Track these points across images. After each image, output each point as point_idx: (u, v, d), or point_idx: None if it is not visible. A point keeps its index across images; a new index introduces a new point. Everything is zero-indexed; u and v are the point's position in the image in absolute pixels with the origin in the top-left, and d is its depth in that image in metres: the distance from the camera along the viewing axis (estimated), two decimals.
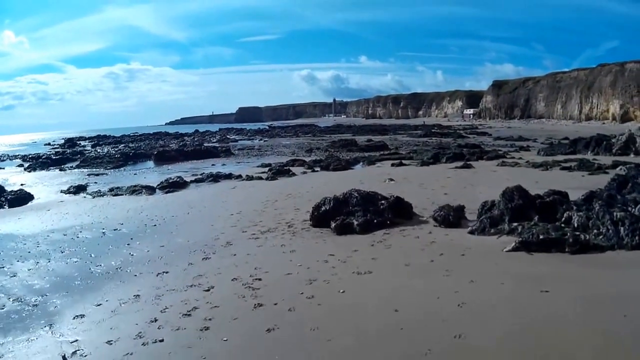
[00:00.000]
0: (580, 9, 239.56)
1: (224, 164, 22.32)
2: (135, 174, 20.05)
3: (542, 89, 77.21)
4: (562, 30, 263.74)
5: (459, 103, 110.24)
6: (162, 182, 14.78)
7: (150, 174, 20.16)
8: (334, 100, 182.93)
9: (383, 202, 7.68)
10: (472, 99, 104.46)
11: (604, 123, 54.90)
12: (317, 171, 17.72)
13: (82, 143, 51.55)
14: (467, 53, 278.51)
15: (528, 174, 14.06)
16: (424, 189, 11.56)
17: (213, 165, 22.10)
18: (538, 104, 78.44)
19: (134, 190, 13.84)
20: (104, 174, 20.68)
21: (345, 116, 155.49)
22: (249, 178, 15.82)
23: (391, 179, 13.15)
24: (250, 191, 13.24)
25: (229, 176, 16.40)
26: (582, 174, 13.77)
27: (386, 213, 7.48)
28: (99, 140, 54.01)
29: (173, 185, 14.38)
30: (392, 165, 17.81)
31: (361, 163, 20.13)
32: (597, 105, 60.38)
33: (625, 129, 44.41)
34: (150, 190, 13.86)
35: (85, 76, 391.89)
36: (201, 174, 16.93)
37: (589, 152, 21.27)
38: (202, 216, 9.96)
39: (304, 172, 17.30)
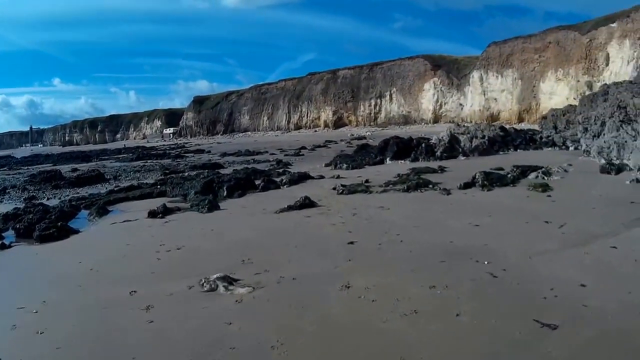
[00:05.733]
0: (276, 24, 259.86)
1: None
2: None
3: (247, 102, 77.01)
4: (257, 45, 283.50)
5: (157, 123, 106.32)
6: None
7: None
8: (31, 128, 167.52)
9: None
10: (172, 117, 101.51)
11: (315, 131, 56.86)
12: (13, 245, 6.52)
13: None
14: (160, 72, 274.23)
15: (524, 208, 7.56)
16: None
17: None
18: (242, 117, 78.15)
19: None
20: None
21: (42, 145, 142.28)
22: None
23: None
24: None
25: None
26: (526, 193, 8.70)
27: None
28: None
29: None
30: (155, 214, 8.33)
31: (87, 214, 9.80)
32: (308, 113, 62.59)
33: (344, 135, 46.29)
34: None
35: None
36: None
37: (389, 158, 17.47)
38: None
39: None
